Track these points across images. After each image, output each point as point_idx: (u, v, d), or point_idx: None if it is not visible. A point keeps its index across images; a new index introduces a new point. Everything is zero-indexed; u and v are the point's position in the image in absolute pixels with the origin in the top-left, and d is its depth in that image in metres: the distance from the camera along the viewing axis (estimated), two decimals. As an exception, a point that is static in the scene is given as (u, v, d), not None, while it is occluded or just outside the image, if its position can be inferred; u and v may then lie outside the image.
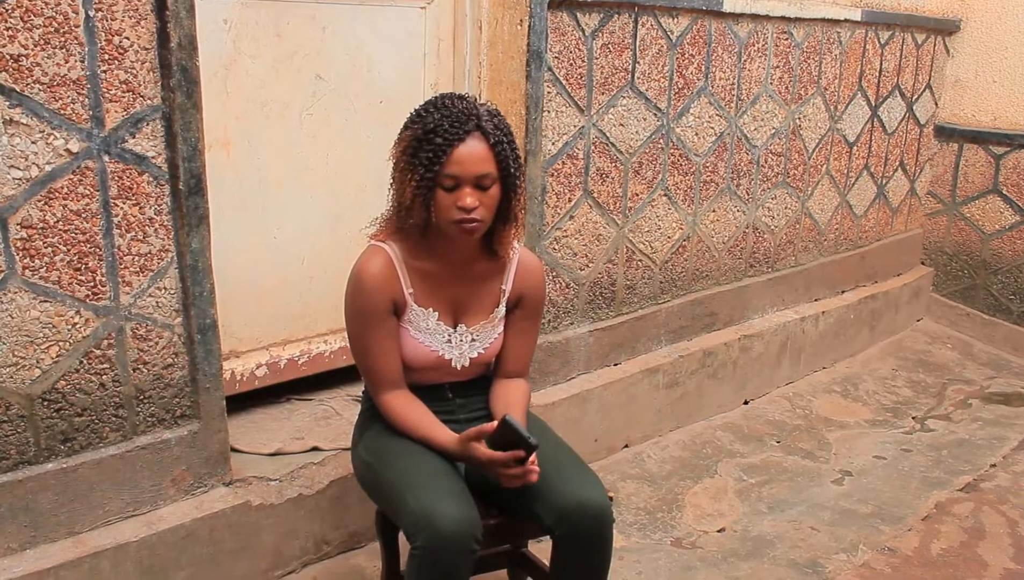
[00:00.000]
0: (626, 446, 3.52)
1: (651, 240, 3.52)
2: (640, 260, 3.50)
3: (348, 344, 2.19)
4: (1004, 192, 4.95)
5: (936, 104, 5.11)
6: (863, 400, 4.26)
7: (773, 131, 3.96)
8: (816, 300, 4.52)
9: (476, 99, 2.01)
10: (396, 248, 2.07)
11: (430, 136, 1.91)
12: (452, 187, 1.93)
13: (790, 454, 3.65)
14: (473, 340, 2.16)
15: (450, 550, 1.83)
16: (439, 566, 1.83)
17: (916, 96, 4.89)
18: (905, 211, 5.12)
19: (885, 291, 4.91)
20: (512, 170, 1.98)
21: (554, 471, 2.02)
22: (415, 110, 2.00)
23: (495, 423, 1.93)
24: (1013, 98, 4.87)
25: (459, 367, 2.16)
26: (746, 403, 4.06)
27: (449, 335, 2.13)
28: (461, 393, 2.23)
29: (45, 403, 2.06)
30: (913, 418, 4.11)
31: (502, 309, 2.19)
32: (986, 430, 3.98)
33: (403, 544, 2.32)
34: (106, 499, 2.20)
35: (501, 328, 2.20)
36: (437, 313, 2.11)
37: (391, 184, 2.05)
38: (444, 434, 2.05)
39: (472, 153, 1.92)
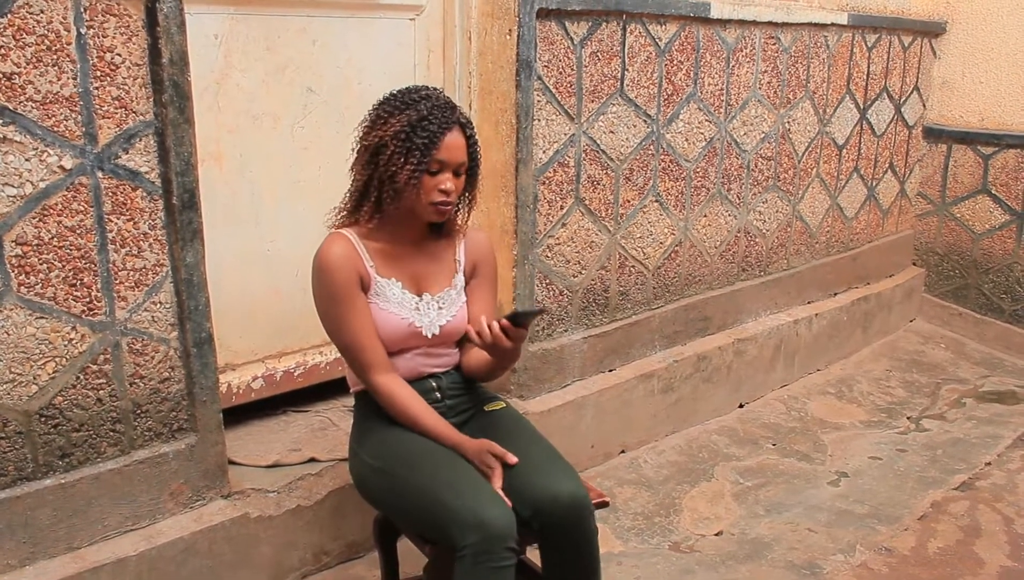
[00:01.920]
0: (622, 451, 3.53)
1: (643, 246, 3.53)
2: (633, 266, 3.51)
3: (334, 344, 2.22)
4: (993, 192, 4.98)
5: (924, 106, 5.14)
6: (858, 401, 4.28)
7: (763, 135, 3.98)
8: (809, 302, 4.53)
9: (440, 91, 2.18)
10: (352, 232, 2.16)
11: (424, 123, 2.05)
12: (436, 172, 2.08)
13: (786, 456, 3.66)
14: (440, 308, 2.23)
15: (500, 547, 1.88)
16: (492, 563, 1.88)
17: (904, 98, 4.92)
18: (896, 212, 5.15)
19: (877, 292, 4.93)
20: (478, 163, 2.18)
21: (528, 466, 2.06)
22: (394, 98, 2.12)
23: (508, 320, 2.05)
24: (999, 98, 4.90)
25: (430, 335, 2.21)
26: (741, 406, 4.07)
27: (416, 303, 2.20)
28: (450, 393, 2.27)
29: (42, 419, 2.06)
30: (908, 418, 4.12)
31: (460, 277, 2.29)
32: (980, 429, 3.99)
33: (402, 552, 2.34)
34: (105, 514, 2.20)
35: (464, 298, 2.29)
36: (400, 282, 2.19)
37: (358, 169, 2.14)
38: (451, 431, 2.13)
39: (456, 142, 2.10)
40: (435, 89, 2.15)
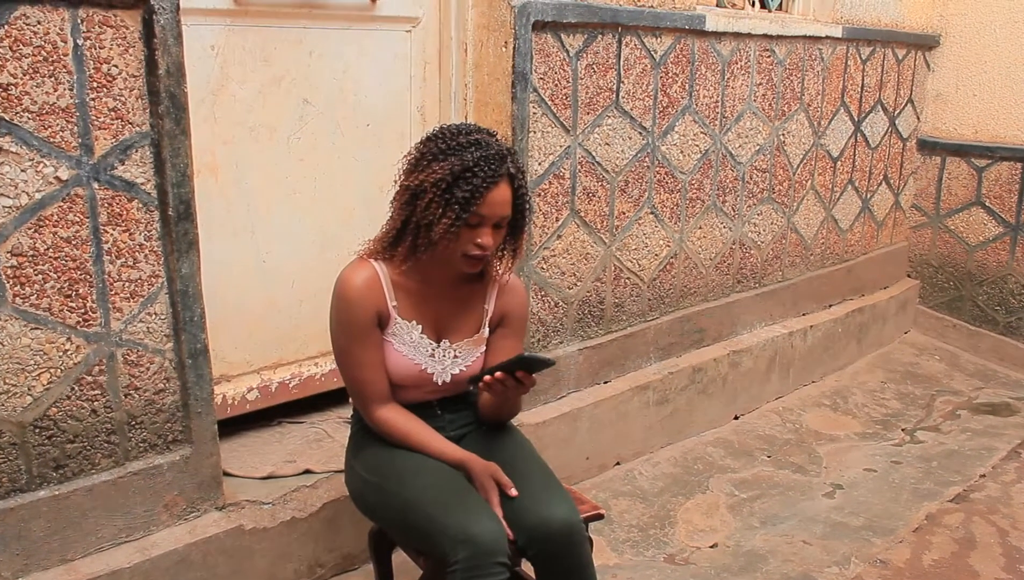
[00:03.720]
0: (617, 463, 3.53)
1: (638, 258, 3.54)
2: (628, 278, 3.52)
3: (336, 366, 2.21)
4: (987, 204, 4.99)
5: (918, 118, 5.16)
6: (853, 413, 4.28)
7: (758, 148, 4.00)
8: (804, 314, 4.54)
9: (497, 135, 2.07)
10: (383, 265, 2.10)
11: (468, 175, 1.94)
12: (475, 225, 1.98)
13: (781, 468, 3.66)
14: (456, 356, 2.19)
15: (490, 563, 1.87)
16: (482, 578, 1.87)
17: (898, 111, 4.94)
18: (890, 224, 5.16)
19: (872, 304, 4.94)
20: (525, 215, 2.06)
21: (524, 490, 2.05)
22: (441, 139, 2.01)
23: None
24: (993, 111, 4.92)
25: (440, 382, 2.18)
26: (736, 418, 4.08)
27: (432, 350, 2.16)
28: (449, 408, 2.25)
29: (37, 430, 2.06)
30: (903, 430, 4.13)
31: (485, 329, 2.23)
32: (975, 441, 4.00)
33: (397, 564, 2.33)
34: (99, 525, 2.20)
35: (483, 347, 2.23)
36: (421, 326, 2.14)
37: (397, 207, 2.06)
38: (454, 449, 2.11)
39: (501, 197, 1.98)
40: (489, 134, 2.05)
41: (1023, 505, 3.38)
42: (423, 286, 2.13)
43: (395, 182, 2.08)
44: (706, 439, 3.85)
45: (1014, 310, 4.98)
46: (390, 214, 2.10)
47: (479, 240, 2.00)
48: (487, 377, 2.00)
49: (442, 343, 2.17)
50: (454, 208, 1.95)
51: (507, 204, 2.00)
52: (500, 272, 2.20)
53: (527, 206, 2.07)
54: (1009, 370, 4.93)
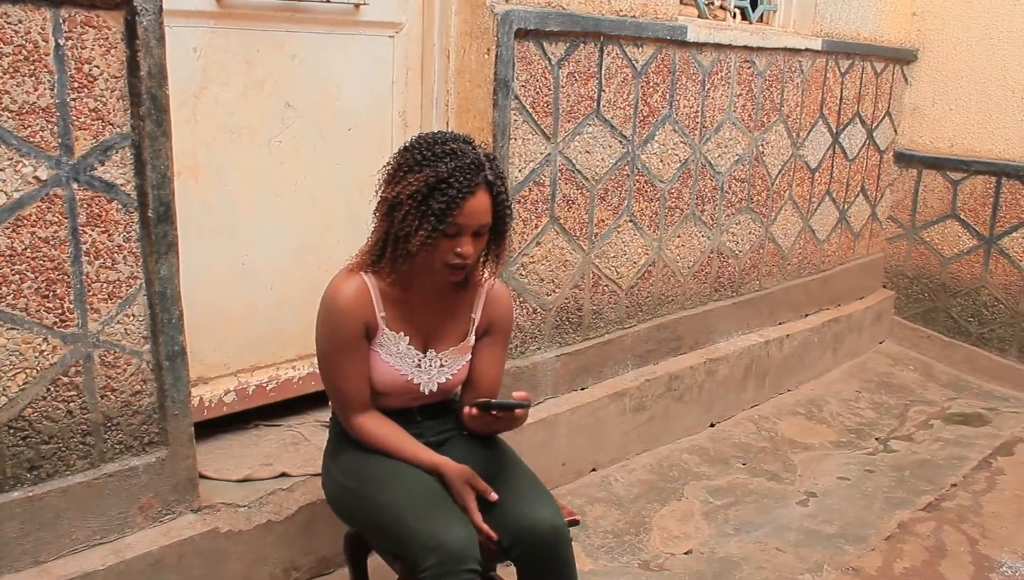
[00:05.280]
0: (594, 470, 3.54)
1: (617, 265, 3.56)
2: (606, 285, 3.53)
3: (317, 369, 2.21)
4: (962, 217, 5.06)
5: (895, 131, 5.22)
6: (827, 422, 4.32)
7: (737, 158, 4.03)
8: (780, 323, 4.58)
9: (475, 143, 2.05)
10: (371, 277, 2.10)
11: (443, 186, 1.93)
12: (454, 234, 1.98)
13: (756, 476, 3.69)
14: (442, 365, 2.20)
15: (460, 569, 1.88)
16: None
17: (876, 123, 5.00)
18: (867, 236, 5.22)
19: (848, 314, 4.99)
20: (506, 221, 2.05)
21: (509, 493, 2.06)
22: (417, 149, 2.00)
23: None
24: (969, 125, 4.99)
25: (427, 392, 2.19)
26: (712, 426, 4.10)
27: (419, 360, 2.17)
28: (429, 414, 2.27)
29: (11, 431, 2.04)
30: (876, 439, 4.17)
31: (471, 337, 2.24)
32: (947, 450, 4.04)
33: (372, 568, 2.34)
34: (73, 527, 2.18)
35: (469, 356, 2.25)
36: (408, 337, 2.15)
37: (378, 219, 2.06)
38: (428, 454, 2.11)
39: (479, 205, 1.97)
40: (465, 143, 2.02)
41: (993, 514, 3.42)
42: (410, 296, 2.13)
43: (376, 193, 2.08)
44: (682, 446, 3.87)
45: (987, 322, 5.04)
46: (373, 227, 2.10)
47: (459, 249, 1.99)
48: (467, 410, 2.04)
49: (428, 353, 2.18)
50: (430, 220, 1.94)
51: (486, 212, 2.00)
52: (484, 278, 2.21)
53: (508, 212, 2.06)
54: (982, 381, 4.99)
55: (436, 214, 1.94)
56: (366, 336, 2.11)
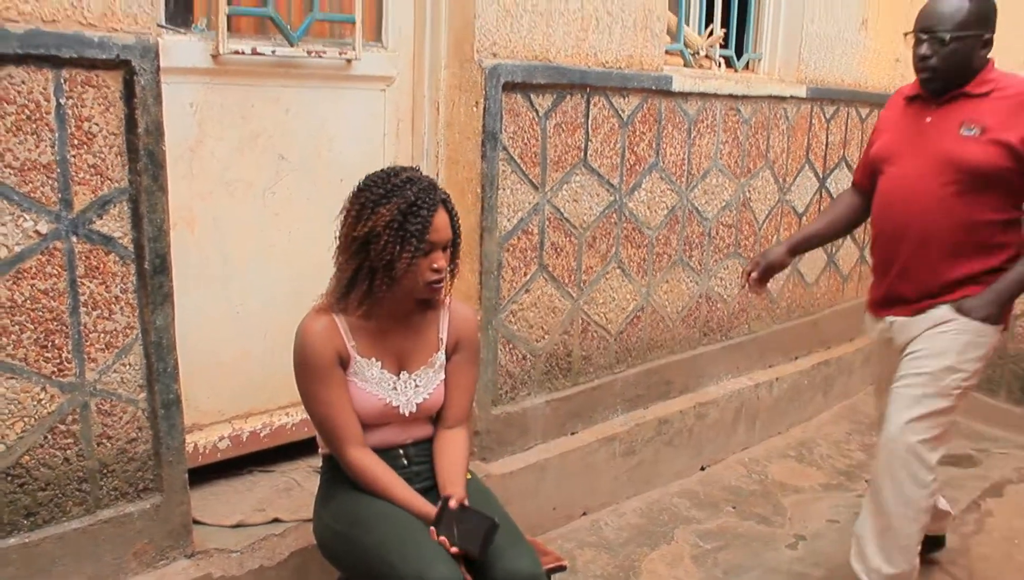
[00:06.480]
0: (584, 514, 3.57)
1: (606, 311, 3.61)
2: (595, 331, 3.59)
3: (308, 415, 2.26)
4: (948, 260, 5.10)
5: (881, 176, 5.28)
6: (817, 464, 4.35)
7: (724, 203, 4.10)
8: (770, 366, 4.62)
9: (419, 169, 2.22)
10: (339, 315, 2.19)
11: (415, 209, 2.07)
12: (428, 252, 2.11)
13: (745, 519, 3.71)
14: (417, 386, 2.27)
15: None
16: None
17: (861, 169, 5.06)
18: (855, 278, 5.27)
19: (838, 357, 5.03)
20: (460, 236, 2.22)
21: None
22: (376, 185, 2.12)
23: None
24: (953, 170, 5.05)
25: (407, 414, 2.25)
26: (703, 469, 4.13)
27: (394, 382, 2.25)
28: (416, 459, 2.30)
29: (9, 478, 2.09)
30: (866, 481, 4.18)
31: (442, 354, 2.32)
32: (936, 493, 4.06)
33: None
34: (68, 573, 2.22)
35: (443, 375, 2.32)
36: (380, 362, 2.23)
37: (346, 259, 2.15)
38: (421, 503, 2.16)
39: (442, 222, 2.12)
40: (414, 169, 2.19)
41: (981, 557, 3.45)
42: (379, 323, 2.22)
43: (335, 238, 2.18)
44: (672, 490, 3.90)
45: (975, 364, 5.07)
46: (336, 268, 2.20)
47: (435, 265, 2.13)
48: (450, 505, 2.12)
49: (402, 374, 2.26)
50: (411, 241, 2.07)
51: (448, 227, 2.15)
52: (444, 294, 2.30)
53: (459, 227, 2.21)
54: (971, 422, 5.01)
55: (416, 235, 2.07)
56: (340, 365, 2.18)
